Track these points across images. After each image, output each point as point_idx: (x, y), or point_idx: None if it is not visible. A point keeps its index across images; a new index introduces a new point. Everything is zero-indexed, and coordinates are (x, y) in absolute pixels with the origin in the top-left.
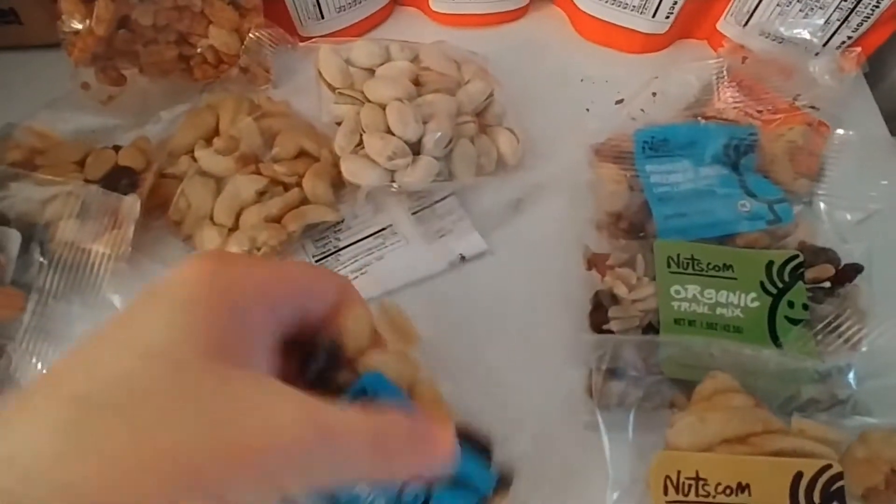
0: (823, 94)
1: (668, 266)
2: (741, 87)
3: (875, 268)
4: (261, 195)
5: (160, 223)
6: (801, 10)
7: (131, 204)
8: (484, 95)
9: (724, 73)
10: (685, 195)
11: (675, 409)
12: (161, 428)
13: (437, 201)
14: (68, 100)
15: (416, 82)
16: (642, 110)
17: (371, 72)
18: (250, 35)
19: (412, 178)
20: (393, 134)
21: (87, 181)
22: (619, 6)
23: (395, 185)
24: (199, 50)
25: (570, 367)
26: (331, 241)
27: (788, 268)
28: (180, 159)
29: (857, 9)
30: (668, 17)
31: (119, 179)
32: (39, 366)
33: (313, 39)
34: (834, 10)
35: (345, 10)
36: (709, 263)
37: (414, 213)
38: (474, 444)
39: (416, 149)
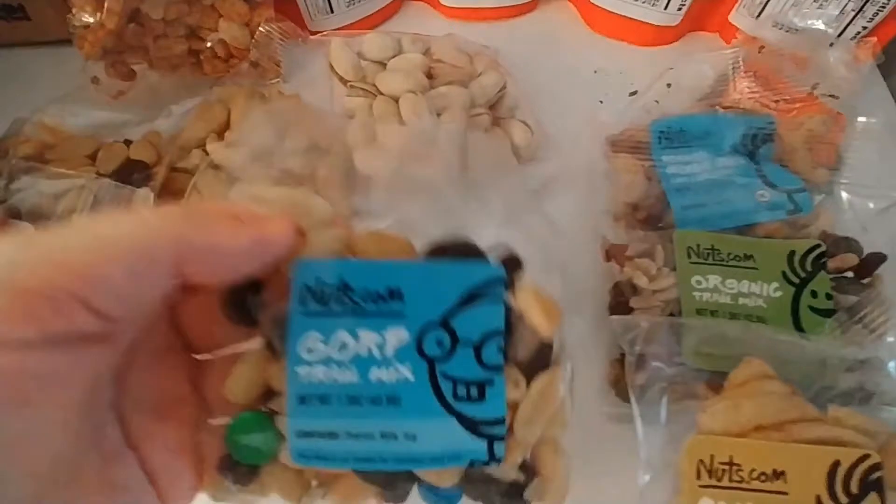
0: (839, 85)
1: (689, 256)
2: (757, 78)
3: None
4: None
5: None
6: (815, 1)
7: (145, 197)
8: (497, 88)
9: (740, 63)
10: (703, 185)
11: (708, 395)
12: None
13: None
14: (78, 95)
15: (429, 75)
16: (657, 102)
17: (383, 65)
18: (260, 29)
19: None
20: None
21: (100, 175)
22: None
23: None
24: (208, 44)
25: (591, 359)
26: None
27: (811, 257)
28: (192, 153)
29: None
30: (679, 9)
31: (131, 173)
32: None
33: (324, 33)
34: (849, 1)
35: (354, 4)
36: (729, 253)
37: None
38: (459, 254)
39: None
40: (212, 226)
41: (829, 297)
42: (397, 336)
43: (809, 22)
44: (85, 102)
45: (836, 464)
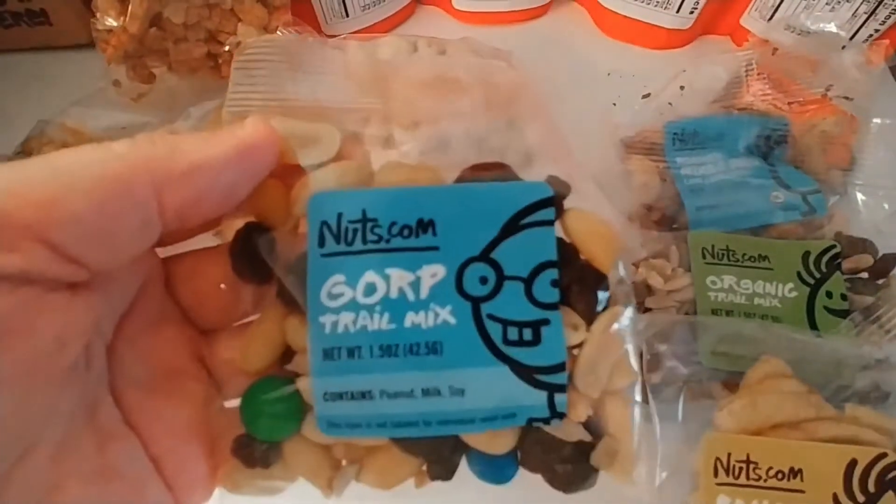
0: (852, 87)
1: (704, 257)
2: (770, 80)
3: None
4: None
5: None
6: (827, 4)
7: None
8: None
9: (753, 65)
10: (717, 186)
11: (724, 394)
12: None
13: None
14: (99, 97)
15: None
16: (670, 104)
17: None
18: (278, 32)
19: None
20: None
21: None
22: (641, 1)
23: None
24: (226, 48)
25: None
26: None
27: (825, 258)
28: None
29: (885, 1)
30: (692, 13)
31: None
32: None
33: (340, 37)
34: (861, 3)
35: (369, 8)
36: (744, 254)
37: None
38: (497, 177)
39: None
40: (186, 145)
41: (844, 297)
42: (433, 273)
43: (821, 25)
44: (106, 105)
45: (854, 462)
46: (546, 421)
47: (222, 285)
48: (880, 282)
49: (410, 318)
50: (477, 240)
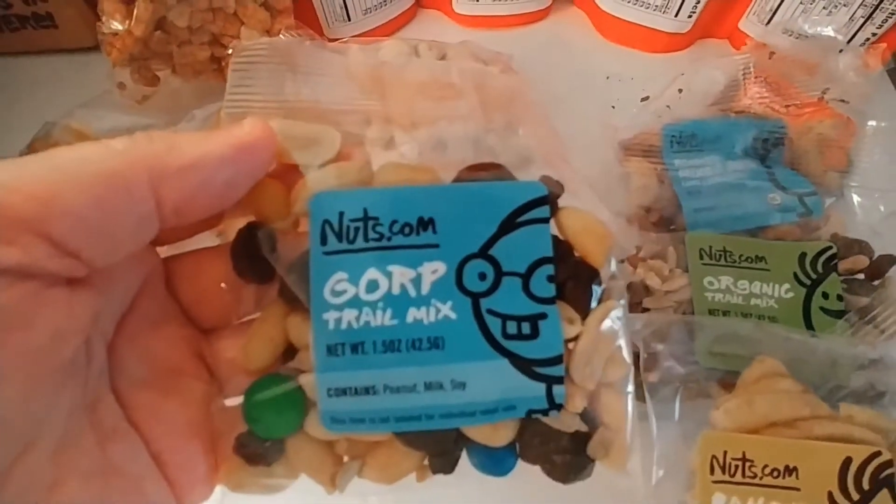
0: (849, 90)
1: (701, 258)
2: (767, 83)
3: None
4: None
5: None
6: (824, 8)
7: None
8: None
9: (751, 68)
10: (714, 188)
11: (721, 393)
12: None
13: None
14: (104, 100)
15: None
16: (668, 107)
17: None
18: (280, 36)
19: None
20: None
21: None
22: (640, 6)
23: None
24: (230, 51)
25: None
26: None
27: (822, 259)
28: None
29: (882, 5)
30: (690, 17)
31: None
32: None
33: (342, 40)
34: (858, 7)
35: (371, 12)
36: (741, 255)
37: None
38: (493, 177)
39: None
40: (183, 142)
41: (839, 298)
42: (433, 270)
43: (819, 29)
44: (111, 107)
45: (848, 460)
46: (545, 412)
47: (223, 284)
48: (876, 283)
49: (412, 314)
50: (475, 237)
